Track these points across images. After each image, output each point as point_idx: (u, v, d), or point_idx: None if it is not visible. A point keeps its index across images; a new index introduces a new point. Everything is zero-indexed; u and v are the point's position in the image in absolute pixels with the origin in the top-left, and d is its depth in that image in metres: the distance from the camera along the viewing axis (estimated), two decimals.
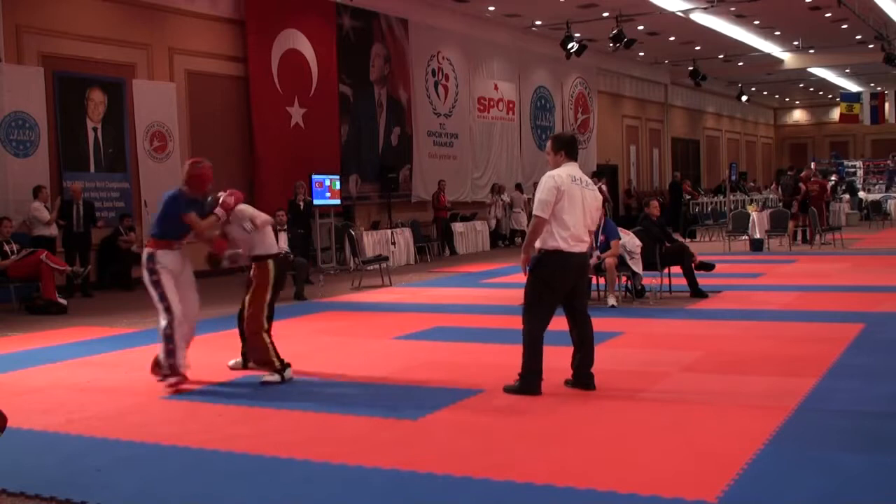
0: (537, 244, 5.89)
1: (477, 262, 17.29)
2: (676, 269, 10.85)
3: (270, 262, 6.70)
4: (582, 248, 5.93)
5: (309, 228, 14.82)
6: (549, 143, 6.13)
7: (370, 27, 18.71)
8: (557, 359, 7.21)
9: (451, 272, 15.58)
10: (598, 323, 8.89)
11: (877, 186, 31.78)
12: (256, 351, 6.57)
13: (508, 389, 5.96)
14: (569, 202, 5.81)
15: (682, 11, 21.53)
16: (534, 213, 5.89)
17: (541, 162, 24.81)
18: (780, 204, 20.11)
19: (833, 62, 30.43)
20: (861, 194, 29.13)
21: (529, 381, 5.91)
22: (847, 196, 27.91)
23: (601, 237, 10.03)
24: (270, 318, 6.75)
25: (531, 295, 5.98)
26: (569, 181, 5.84)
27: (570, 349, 7.60)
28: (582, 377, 6.09)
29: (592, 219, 6.04)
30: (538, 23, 22.36)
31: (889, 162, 34.13)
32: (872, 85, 34.98)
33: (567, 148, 6.03)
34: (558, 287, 5.95)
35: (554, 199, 5.78)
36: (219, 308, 10.76)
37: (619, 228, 10.48)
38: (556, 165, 6.00)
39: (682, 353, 7.25)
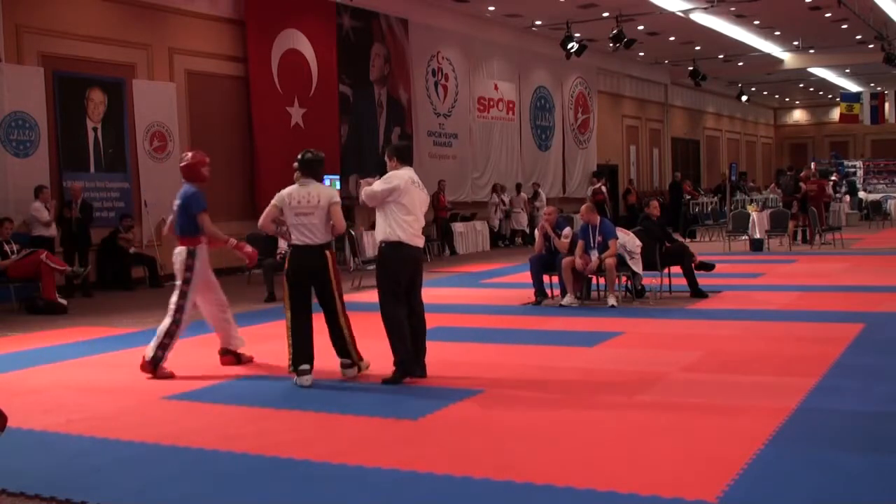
0: (380, 237, 6.46)
1: (477, 262, 17.29)
2: (676, 269, 10.84)
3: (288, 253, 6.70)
4: (419, 242, 6.58)
5: None
6: (387, 153, 6.78)
7: (370, 27, 18.71)
8: (560, 358, 7.22)
9: (451, 272, 15.59)
10: (598, 323, 8.96)
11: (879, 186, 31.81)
12: None
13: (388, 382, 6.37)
14: (408, 200, 6.42)
15: (682, 11, 21.53)
16: (364, 197, 6.54)
17: (541, 162, 24.87)
18: (780, 204, 20.11)
19: (833, 62, 30.41)
20: (861, 194, 29.08)
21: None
22: (848, 196, 27.89)
23: (598, 238, 10.03)
24: (296, 313, 6.50)
25: (381, 284, 6.52)
26: (409, 183, 6.47)
27: (565, 349, 7.62)
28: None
29: (423, 216, 6.67)
30: (538, 23, 22.36)
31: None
32: (872, 85, 34.98)
33: (399, 155, 6.68)
34: (401, 276, 6.49)
35: (388, 195, 6.39)
36: None
37: (620, 228, 10.48)
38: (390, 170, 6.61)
39: (682, 353, 7.25)
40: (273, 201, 6.62)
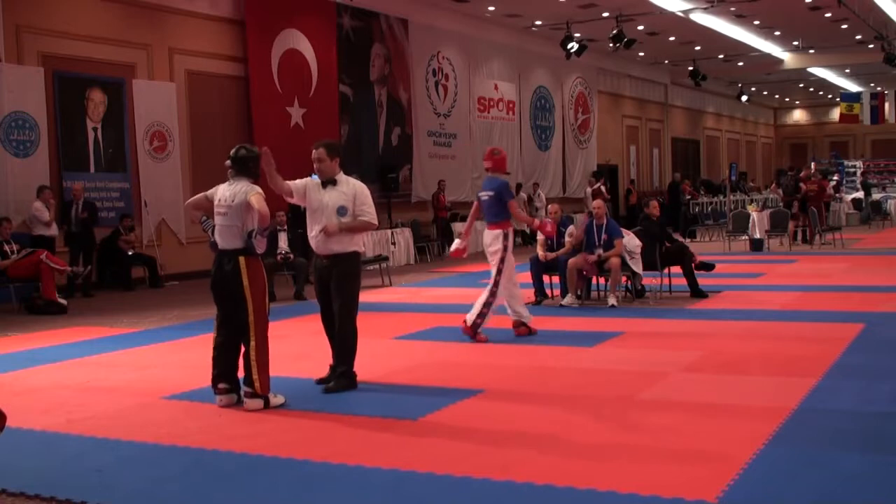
0: (350, 248, 6.24)
1: (477, 262, 17.26)
2: (676, 269, 10.84)
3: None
4: None
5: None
6: (322, 150, 6.22)
7: (370, 27, 18.71)
8: (560, 358, 7.22)
9: (451, 272, 15.58)
10: (598, 323, 8.95)
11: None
12: None
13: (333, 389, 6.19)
14: None
15: (682, 11, 21.53)
16: (375, 221, 6.37)
17: (541, 162, 24.86)
18: (780, 204, 20.11)
19: (833, 62, 30.41)
20: (860, 194, 29.01)
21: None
22: (849, 196, 27.83)
23: (604, 236, 10.03)
24: (217, 325, 6.03)
25: (357, 296, 6.34)
26: None
27: (565, 349, 7.63)
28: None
29: None
30: (538, 23, 22.35)
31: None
32: (872, 85, 34.97)
33: (342, 156, 6.44)
34: None
35: None
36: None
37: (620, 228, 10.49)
38: (333, 171, 6.26)
39: (682, 353, 7.25)
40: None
